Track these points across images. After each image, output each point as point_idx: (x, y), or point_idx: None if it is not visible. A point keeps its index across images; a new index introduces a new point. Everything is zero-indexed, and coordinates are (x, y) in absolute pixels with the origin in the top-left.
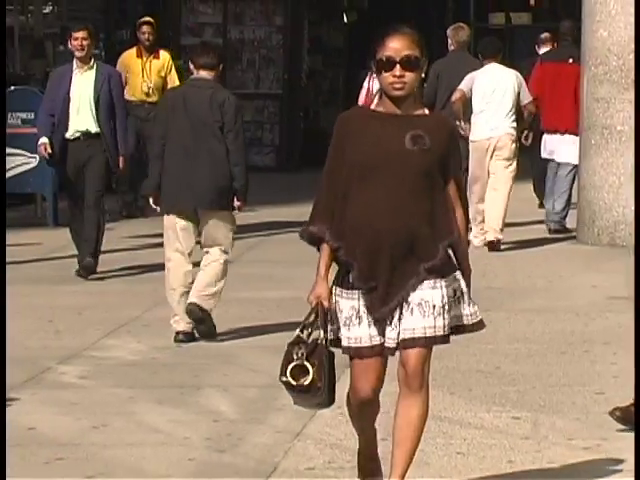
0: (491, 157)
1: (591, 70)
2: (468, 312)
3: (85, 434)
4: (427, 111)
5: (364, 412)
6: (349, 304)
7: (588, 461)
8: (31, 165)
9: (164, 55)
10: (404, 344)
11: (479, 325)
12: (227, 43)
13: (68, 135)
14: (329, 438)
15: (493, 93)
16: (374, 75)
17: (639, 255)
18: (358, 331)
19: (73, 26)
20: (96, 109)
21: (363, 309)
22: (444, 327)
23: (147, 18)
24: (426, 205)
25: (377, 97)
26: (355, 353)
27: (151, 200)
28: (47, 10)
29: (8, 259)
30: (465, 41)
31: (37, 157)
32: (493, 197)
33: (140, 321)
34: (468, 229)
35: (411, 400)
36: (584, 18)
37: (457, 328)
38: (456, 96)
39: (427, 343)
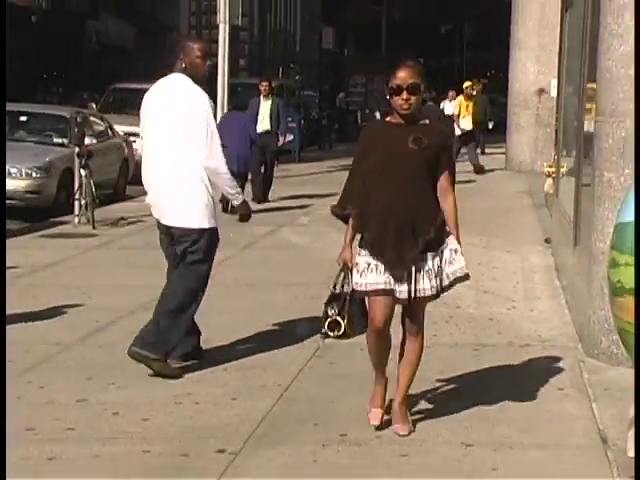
0: None
1: (511, 100)
2: (454, 269)
3: (308, 244)
4: (427, 121)
5: (379, 341)
6: (364, 259)
7: (511, 257)
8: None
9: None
10: (409, 299)
11: (465, 277)
12: (367, 93)
13: (258, 131)
14: None
15: None
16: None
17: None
18: (371, 278)
19: (263, 80)
20: (270, 118)
21: (375, 264)
22: (433, 288)
23: (468, 82)
24: (425, 190)
25: (389, 114)
26: (368, 293)
27: None
28: (297, 77)
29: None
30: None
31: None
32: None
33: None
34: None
35: (411, 340)
36: (510, 78)
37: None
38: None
39: (423, 300)
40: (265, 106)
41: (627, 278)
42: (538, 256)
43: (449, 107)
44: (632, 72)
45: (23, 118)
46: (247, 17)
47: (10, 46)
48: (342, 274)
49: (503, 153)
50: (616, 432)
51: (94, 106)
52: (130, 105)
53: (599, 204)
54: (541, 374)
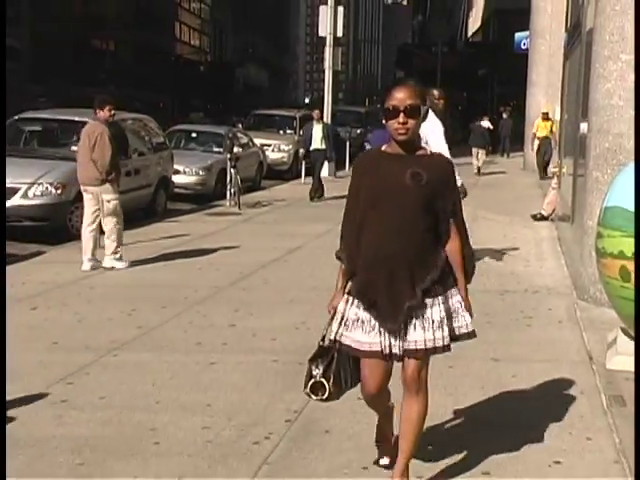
0: None
1: (527, 121)
2: (459, 324)
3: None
4: (429, 151)
5: (375, 402)
6: (354, 310)
7: (527, 230)
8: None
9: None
10: (407, 354)
11: (471, 334)
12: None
13: (312, 148)
14: None
15: None
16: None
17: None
18: (358, 335)
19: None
20: (323, 139)
21: (366, 318)
22: (443, 338)
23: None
24: (423, 231)
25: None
26: (357, 352)
27: None
28: (378, 106)
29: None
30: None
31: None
32: None
33: None
34: (469, 252)
35: (412, 401)
36: (527, 106)
37: (451, 338)
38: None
39: (427, 354)
40: (317, 129)
41: (608, 245)
42: (546, 230)
43: (484, 124)
44: (613, 102)
45: (193, 135)
46: (344, 65)
47: (187, 88)
48: (331, 326)
49: (522, 156)
50: (599, 352)
51: (240, 126)
52: (264, 125)
53: (589, 194)
54: (547, 311)
